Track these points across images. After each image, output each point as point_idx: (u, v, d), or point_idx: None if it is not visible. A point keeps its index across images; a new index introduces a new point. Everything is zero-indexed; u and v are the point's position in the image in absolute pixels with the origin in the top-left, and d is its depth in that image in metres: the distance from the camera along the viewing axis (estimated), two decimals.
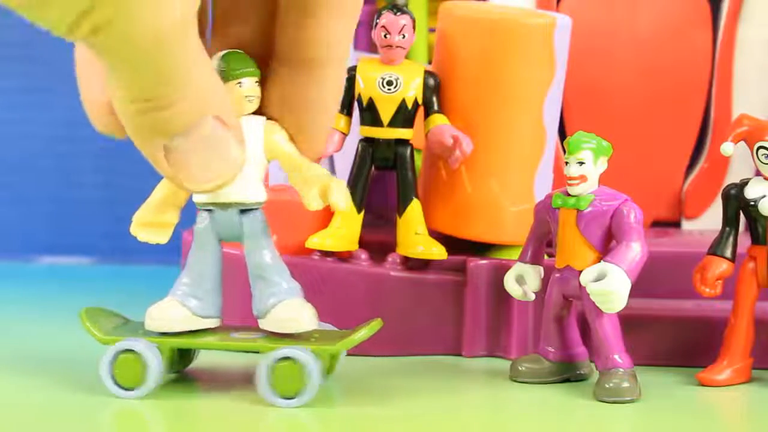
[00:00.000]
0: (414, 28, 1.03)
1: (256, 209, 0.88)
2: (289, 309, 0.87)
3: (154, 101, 0.60)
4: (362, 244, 1.05)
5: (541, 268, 0.97)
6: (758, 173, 0.97)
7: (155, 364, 0.88)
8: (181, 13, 0.58)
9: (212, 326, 0.90)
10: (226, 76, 0.83)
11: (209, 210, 0.89)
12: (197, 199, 0.89)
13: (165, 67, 0.59)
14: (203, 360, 0.97)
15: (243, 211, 0.88)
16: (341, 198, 0.84)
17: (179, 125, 0.61)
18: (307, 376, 0.86)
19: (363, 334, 0.89)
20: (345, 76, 0.82)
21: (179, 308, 0.89)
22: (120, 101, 0.61)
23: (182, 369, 0.95)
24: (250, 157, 0.83)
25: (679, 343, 1.01)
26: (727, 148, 0.97)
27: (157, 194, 0.88)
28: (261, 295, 0.88)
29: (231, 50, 0.82)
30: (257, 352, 0.88)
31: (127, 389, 0.88)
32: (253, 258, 0.89)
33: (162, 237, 0.89)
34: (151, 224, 0.89)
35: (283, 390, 0.87)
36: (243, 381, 0.91)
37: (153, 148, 0.62)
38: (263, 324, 0.88)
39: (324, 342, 0.88)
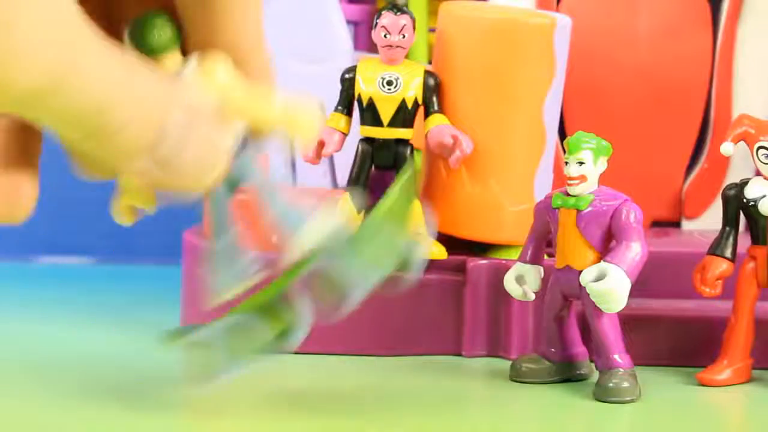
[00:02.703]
0: (414, 28, 1.03)
1: None
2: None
3: (103, 131, 0.55)
4: None
5: (541, 268, 0.97)
6: (758, 173, 0.97)
7: None
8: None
9: None
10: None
11: None
12: None
13: (81, 102, 0.53)
14: None
15: None
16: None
17: (145, 140, 0.57)
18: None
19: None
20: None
21: None
22: (79, 148, 0.57)
23: None
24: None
25: (679, 343, 1.01)
26: (727, 148, 0.97)
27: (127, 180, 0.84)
28: None
29: (137, 20, 0.68)
30: None
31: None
32: None
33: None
34: (132, 210, 0.84)
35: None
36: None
37: (139, 167, 0.58)
38: None
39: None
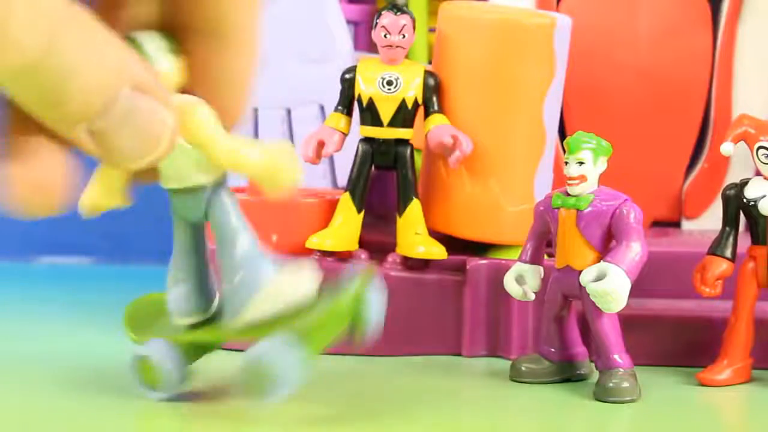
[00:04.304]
0: (414, 28, 1.04)
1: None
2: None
3: (51, 101, 0.57)
4: (362, 244, 1.05)
5: (541, 268, 0.97)
6: (758, 173, 0.97)
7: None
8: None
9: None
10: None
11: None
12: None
13: (39, 76, 0.55)
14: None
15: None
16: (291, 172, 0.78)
17: (91, 110, 0.58)
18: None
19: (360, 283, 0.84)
20: (256, 46, 0.72)
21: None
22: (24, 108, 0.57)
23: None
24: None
25: (679, 343, 1.01)
26: (727, 148, 0.97)
27: (99, 176, 0.83)
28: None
29: (137, 33, 0.71)
30: None
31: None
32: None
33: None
34: (100, 207, 0.84)
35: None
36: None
37: (77, 135, 0.59)
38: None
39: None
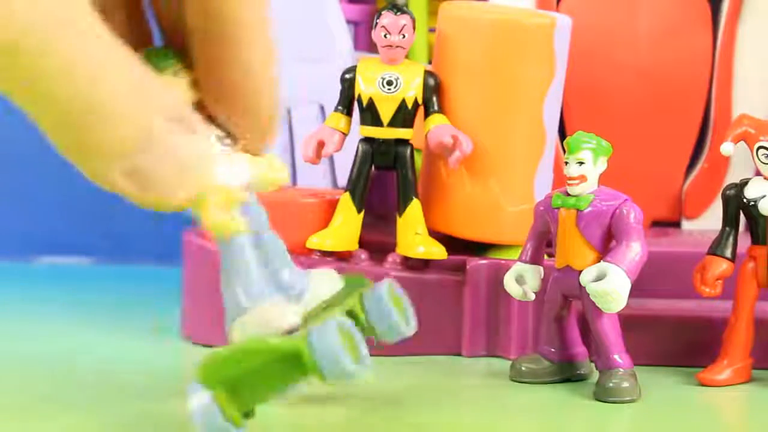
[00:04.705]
0: (414, 28, 1.04)
1: None
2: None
3: (84, 140, 0.53)
4: (362, 244, 1.05)
5: (541, 268, 0.97)
6: (758, 173, 0.97)
7: None
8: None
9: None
10: None
11: None
12: None
13: (68, 93, 0.52)
14: None
15: None
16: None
17: (127, 144, 0.54)
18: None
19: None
20: (269, 40, 0.70)
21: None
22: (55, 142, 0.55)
23: None
24: None
25: (679, 343, 1.01)
26: (727, 148, 0.97)
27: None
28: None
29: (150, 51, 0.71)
30: None
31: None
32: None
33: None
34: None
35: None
36: None
37: (110, 176, 0.55)
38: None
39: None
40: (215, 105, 0.68)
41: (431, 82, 1.04)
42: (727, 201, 0.97)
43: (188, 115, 0.59)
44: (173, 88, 0.64)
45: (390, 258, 1.05)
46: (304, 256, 1.04)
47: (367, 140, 1.05)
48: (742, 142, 0.97)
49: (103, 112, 0.53)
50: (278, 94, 0.69)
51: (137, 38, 0.67)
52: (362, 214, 1.05)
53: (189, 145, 0.58)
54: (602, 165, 0.93)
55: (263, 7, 0.67)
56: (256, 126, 0.70)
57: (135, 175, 0.56)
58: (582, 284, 0.91)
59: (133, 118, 0.55)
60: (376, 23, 1.04)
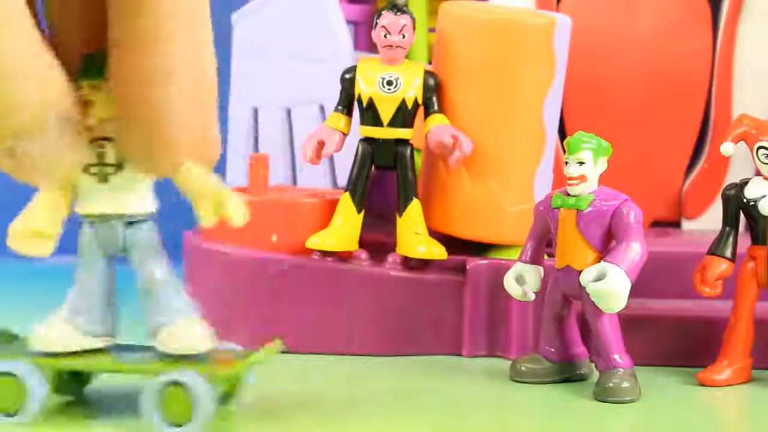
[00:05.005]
0: (414, 28, 1.04)
1: (142, 221, 0.83)
2: (179, 329, 0.81)
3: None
4: (362, 244, 1.05)
5: (541, 268, 0.97)
6: (758, 173, 0.97)
7: (37, 388, 0.81)
8: None
9: (102, 345, 0.84)
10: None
11: (92, 222, 0.83)
12: (79, 210, 0.82)
13: None
14: (101, 382, 0.92)
15: (129, 224, 0.83)
16: (237, 211, 0.79)
17: (19, 130, 0.59)
18: (197, 402, 0.79)
19: (259, 356, 0.83)
20: (199, 47, 0.73)
21: (64, 326, 0.84)
22: None
23: (80, 390, 0.88)
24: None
25: (679, 343, 1.01)
26: (727, 148, 0.97)
27: (39, 202, 0.80)
28: (150, 313, 0.83)
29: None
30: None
31: (7, 414, 0.81)
32: (141, 274, 0.84)
33: (45, 250, 0.83)
34: (33, 235, 0.82)
35: (171, 416, 0.79)
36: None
37: (3, 149, 0.60)
38: (155, 344, 0.82)
39: (220, 364, 0.81)
40: (121, 119, 0.71)
41: (431, 82, 1.04)
42: (727, 201, 0.97)
43: (75, 118, 0.62)
44: (72, 92, 0.67)
45: (390, 258, 1.05)
46: (305, 257, 1.04)
47: (367, 140, 1.05)
48: (742, 142, 0.97)
49: (6, 99, 0.59)
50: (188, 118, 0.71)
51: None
52: (362, 214, 1.05)
53: (67, 144, 0.63)
54: (602, 165, 0.93)
55: (170, 20, 0.68)
56: (143, 147, 0.72)
57: (14, 155, 0.62)
58: (582, 284, 0.91)
59: (32, 109, 0.60)
60: (376, 23, 1.04)
